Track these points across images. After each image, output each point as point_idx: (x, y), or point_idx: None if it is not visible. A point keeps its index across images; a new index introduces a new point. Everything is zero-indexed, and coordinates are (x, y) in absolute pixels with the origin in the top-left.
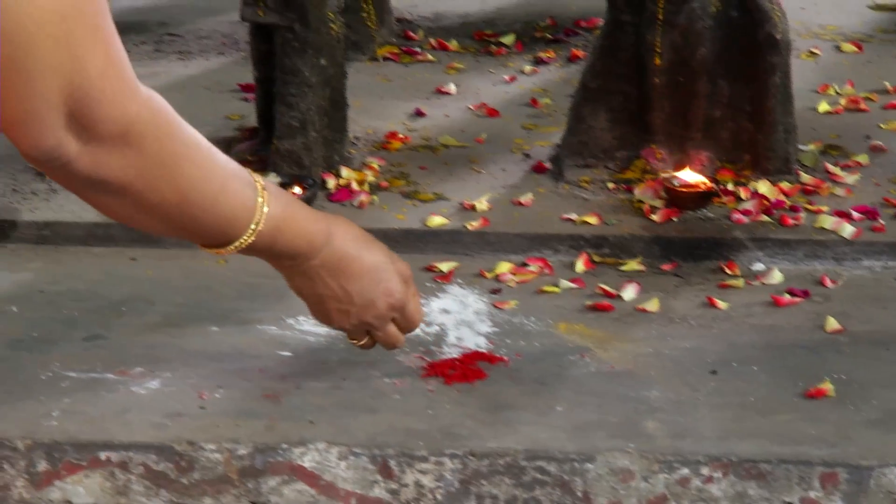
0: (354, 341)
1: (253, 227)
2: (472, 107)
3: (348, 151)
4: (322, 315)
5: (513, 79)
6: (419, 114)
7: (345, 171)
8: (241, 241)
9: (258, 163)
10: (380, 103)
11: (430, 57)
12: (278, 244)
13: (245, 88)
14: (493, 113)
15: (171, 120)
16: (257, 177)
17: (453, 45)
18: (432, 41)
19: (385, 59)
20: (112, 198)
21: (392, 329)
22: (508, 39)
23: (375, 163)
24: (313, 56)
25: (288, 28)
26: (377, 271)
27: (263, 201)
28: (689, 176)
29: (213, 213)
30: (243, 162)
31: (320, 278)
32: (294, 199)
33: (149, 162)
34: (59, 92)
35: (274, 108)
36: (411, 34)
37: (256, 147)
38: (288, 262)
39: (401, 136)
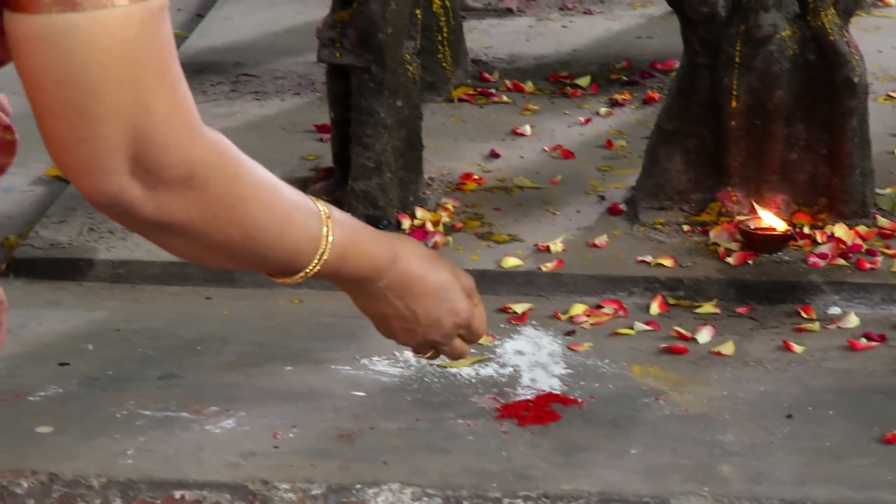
0: (420, 355)
1: (318, 257)
2: (547, 148)
3: (423, 192)
4: (387, 332)
5: (588, 121)
6: (494, 155)
7: (420, 212)
8: (307, 271)
9: (333, 203)
10: (455, 144)
11: (505, 98)
12: (344, 270)
13: (321, 129)
14: (568, 155)
15: (236, 160)
16: (322, 204)
17: (529, 86)
18: (508, 83)
19: (460, 100)
20: (176, 238)
21: (458, 343)
22: (584, 81)
23: (450, 204)
24: (389, 97)
25: (364, 69)
26: (442, 290)
27: (328, 230)
28: (766, 218)
29: (278, 249)
30: None
31: (386, 299)
32: (359, 224)
33: (214, 205)
34: (122, 136)
35: (350, 149)
36: (487, 75)
37: (332, 187)
38: (353, 284)
39: (476, 177)
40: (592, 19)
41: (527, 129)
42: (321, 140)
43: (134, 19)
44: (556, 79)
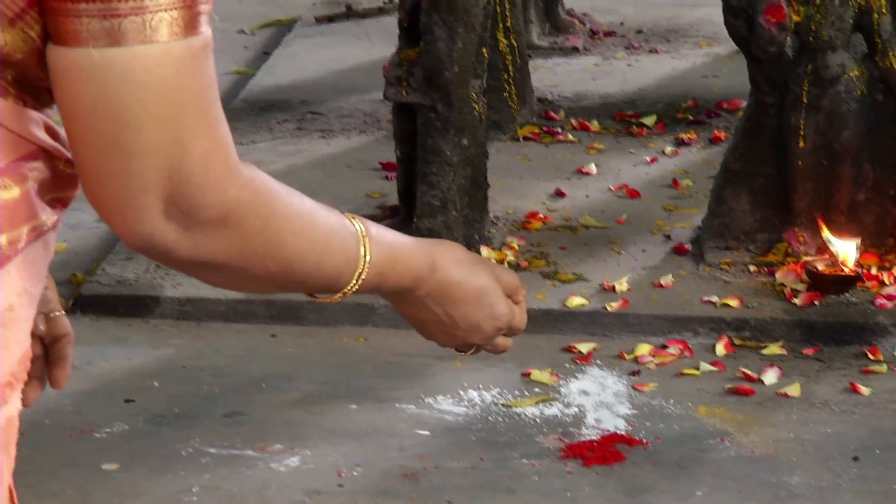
0: (461, 353)
1: (356, 278)
2: (612, 187)
3: (488, 231)
4: (427, 335)
5: (654, 160)
6: (559, 194)
7: (485, 251)
8: (346, 290)
9: None
10: (520, 183)
11: (570, 137)
12: (384, 286)
13: (386, 167)
14: (633, 194)
15: (272, 195)
16: (359, 222)
17: (594, 125)
18: (573, 121)
19: (526, 138)
20: (214, 273)
21: (499, 341)
22: (650, 120)
23: (515, 242)
24: (455, 136)
25: (431, 108)
26: (482, 295)
27: (366, 250)
28: (835, 246)
29: (317, 275)
30: None
31: (425, 306)
32: (397, 237)
33: (251, 242)
34: (157, 174)
35: (415, 187)
36: (552, 114)
37: (397, 226)
38: (393, 295)
39: (541, 215)
40: (658, 58)
41: (592, 167)
42: (387, 178)
43: (173, 56)
44: (621, 118)
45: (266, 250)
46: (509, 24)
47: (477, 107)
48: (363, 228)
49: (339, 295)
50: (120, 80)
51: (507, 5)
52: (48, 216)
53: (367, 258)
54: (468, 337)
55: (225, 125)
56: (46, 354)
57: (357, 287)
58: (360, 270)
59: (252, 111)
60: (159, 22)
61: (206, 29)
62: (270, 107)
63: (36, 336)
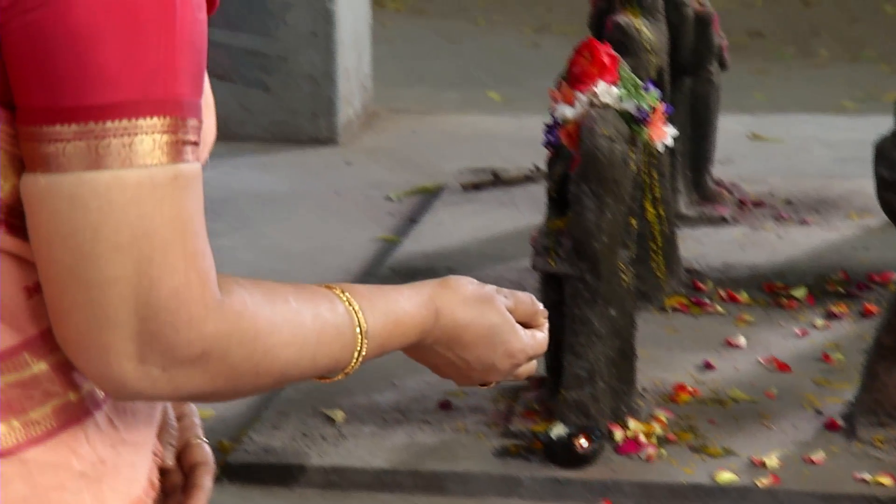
0: (484, 386)
1: (356, 358)
2: (762, 360)
3: (636, 402)
4: (443, 376)
5: (804, 333)
6: (708, 366)
7: (632, 423)
8: (347, 370)
9: (545, 412)
10: (668, 354)
11: (719, 308)
12: (388, 349)
13: None
14: (783, 367)
15: (256, 315)
16: (346, 296)
17: (743, 296)
18: (721, 292)
19: (674, 309)
20: (202, 399)
21: (521, 371)
22: (800, 292)
23: (663, 415)
24: (603, 306)
25: (579, 278)
26: (493, 335)
27: (361, 333)
28: None
29: (314, 370)
30: (531, 412)
31: (435, 352)
32: (392, 298)
33: (238, 369)
34: (122, 308)
35: (562, 357)
36: (700, 285)
37: (544, 396)
38: (400, 349)
39: (689, 388)
40: (808, 229)
41: (741, 340)
42: None
43: (129, 183)
44: (771, 289)
45: (257, 370)
46: (657, 194)
47: (625, 277)
48: (355, 305)
49: (341, 375)
50: (68, 205)
51: (655, 175)
52: None
53: (366, 330)
54: (485, 377)
55: (206, 260)
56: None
57: (358, 365)
58: (358, 349)
59: (398, 279)
60: (106, 148)
61: (184, 161)
62: (416, 274)
63: (173, 468)
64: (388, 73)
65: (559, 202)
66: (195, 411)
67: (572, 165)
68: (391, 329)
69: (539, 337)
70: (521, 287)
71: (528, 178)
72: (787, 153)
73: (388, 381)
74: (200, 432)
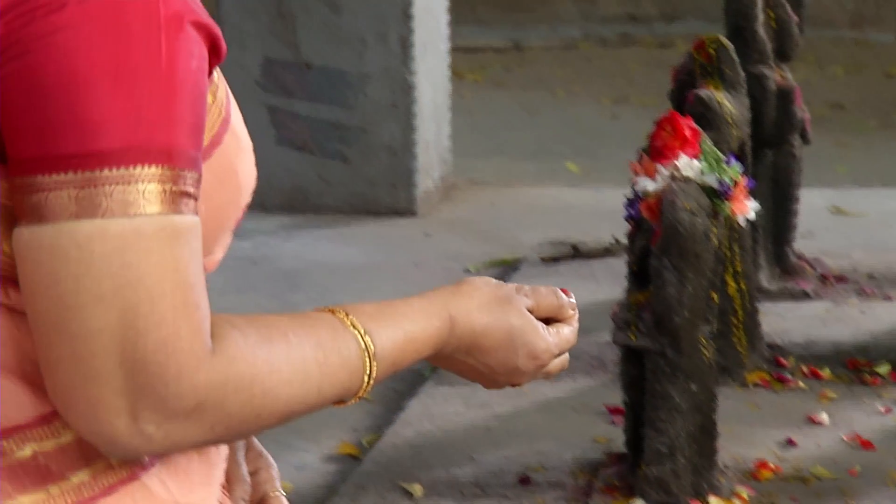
0: (514, 387)
1: (366, 381)
2: (845, 437)
3: (717, 479)
4: (470, 380)
5: (888, 410)
6: (790, 443)
7: (713, 500)
8: (360, 394)
9: (625, 488)
10: (749, 430)
11: (801, 384)
12: (400, 367)
13: (612, 411)
14: (867, 445)
15: (252, 360)
16: (351, 318)
17: (826, 372)
18: (804, 368)
19: (755, 385)
20: (203, 447)
21: (552, 367)
22: (883, 369)
23: (744, 492)
24: (684, 381)
25: (660, 353)
26: (513, 338)
27: (369, 355)
28: None
29: (322, 402)
30: (611, 488)
31: (456, 360)
32: (402, 314)
33: (237, 416)
34: (108, 361)
35: (642, 433)
36: (782, 360)
37: (624, 472)
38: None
39: (771, 465)
40: (892, 305)
41: (824, 416)
42: (613, 423)
43: (110, 233)
44: (854, 365)
45: (258, 413)
46: (739, 269)
47: (706, 352)
48: (359, 327)
49: (354, 399)
50: (49, 256)
51: (736, 249)
52: None
53: (372, 357)
54: (511, 380)
55: (198, 311)
56: None
57: (370, 388)
58: (367, 373)
59: None
60: (88, 198)
61: (178, 212)
62: None
63: None
64: (467, 145)
65: (640, 276)
66: (272, 463)
67: (653, 239)
68: (402, 346)
69: (565, 332)
70: (601, 363)
71: (607, 251)
72: (870, 227)
73: (466, 454)
74: (279, 484)
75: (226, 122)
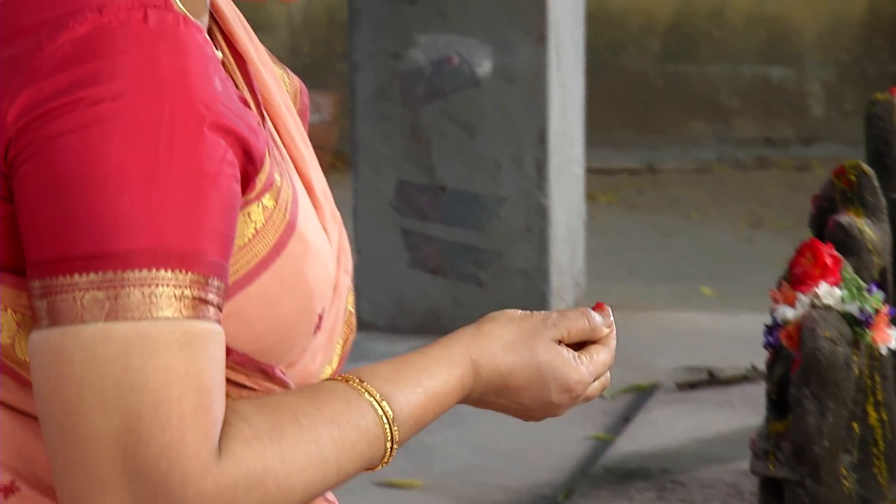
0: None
1: (389, 448)
2: None
3: None
4: (509, 415)
5: None
6: None
7: None
8: (386, 459)
9: None
10: None
11: None
12: (426, 423)
13: None
14: None
15: (262, 450)
16: (365, 385)
17: None
18: None
19: None
20: None
21: (591, 390)
22: None
23: None
24: None
25: (799, 483)
26: (542, 375)
27: (388, 422)
28: None
29: (343, 477)
30: None
31: (487, 402)
32: (421, 369)
33: None
34: (110, 466)
35: None
36: None
37: None
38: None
39: None
40: None
41: None
42: None
43: (113, 336)
44: None
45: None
46: (880, 398)
47: (846, 483)
48: (374, 394)
49: (381, 465)
50: (54, 358)
51: (878, 378)
52: None
53: (392, 423)
54: (547, 414)
55: (209, 416)
56: None
57: (395, 452)
58: (389, 439)
59: (611, 479)
60: (91, 301)
61: (197, 318)
62: (631, 475)
63: None
64: (600, 267)
65: (779, 404)
66: None
67: (793, 367)
68: (424, 404)
69: (600, 357)
70: (738, 492)
71: (744, 378)
72: None
73: None
74: None
75: (290, 226)
